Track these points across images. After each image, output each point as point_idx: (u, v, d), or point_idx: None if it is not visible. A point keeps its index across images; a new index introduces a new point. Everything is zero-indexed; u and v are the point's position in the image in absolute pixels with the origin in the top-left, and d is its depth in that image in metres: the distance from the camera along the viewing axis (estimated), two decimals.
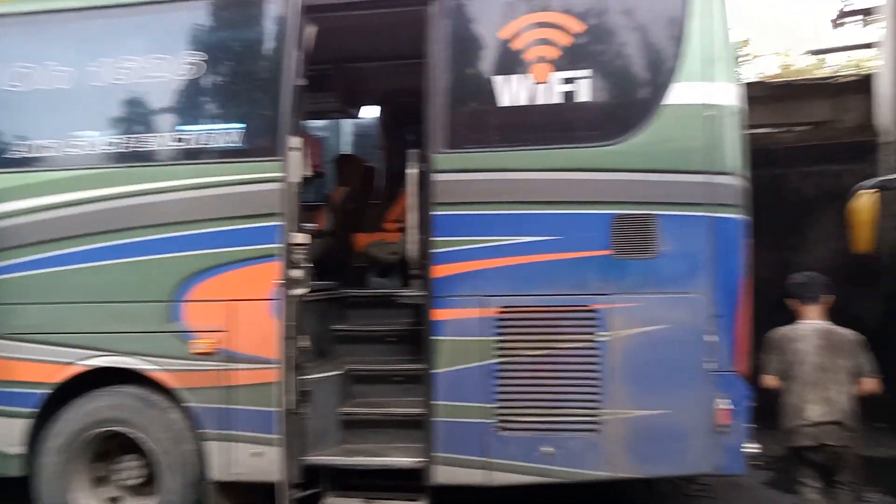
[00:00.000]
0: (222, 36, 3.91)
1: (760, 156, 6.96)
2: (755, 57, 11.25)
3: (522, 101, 3.46)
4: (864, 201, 5.18)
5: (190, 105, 3.88)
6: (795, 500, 4.41)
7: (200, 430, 3.62)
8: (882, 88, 6.56)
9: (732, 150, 3.41)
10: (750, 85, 8.03)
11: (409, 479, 3.57)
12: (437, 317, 3.46)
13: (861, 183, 5.35)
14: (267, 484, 3.52)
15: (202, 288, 3.64)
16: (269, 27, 3.80)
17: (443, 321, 3.46)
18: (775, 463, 5.39)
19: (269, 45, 3.79)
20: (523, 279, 3.46)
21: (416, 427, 3.60)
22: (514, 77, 3.46)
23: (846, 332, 3.58)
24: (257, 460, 3.56)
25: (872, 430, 6.37)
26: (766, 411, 6.31)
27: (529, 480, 3.42)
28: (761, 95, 7.30)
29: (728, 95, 3.41)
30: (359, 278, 4.88)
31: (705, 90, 3.37)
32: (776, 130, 7.28)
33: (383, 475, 3.69)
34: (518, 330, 3.45)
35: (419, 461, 3.52)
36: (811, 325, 3.59)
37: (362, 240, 4.95)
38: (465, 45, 3.55)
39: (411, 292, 3.78)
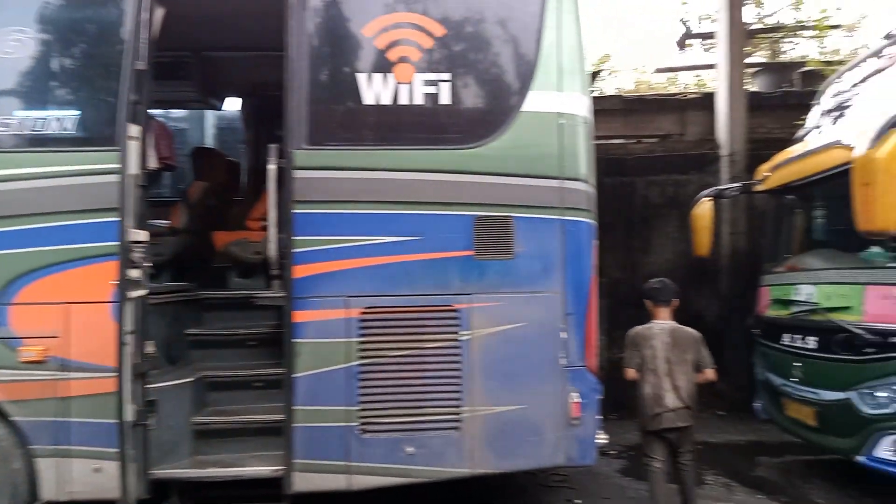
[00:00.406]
0: (55, 12, 3.54)
1: (614, 164, 7.52)
2: (614, 72, 12.11)
3: (385, 100, 3.45)
4: (704, 208, 5.72)
5: (17, 87, 3.48)
6: (647, 487, 4.78)
7: (30, 447, 3.28)
8: (720, 106, 7.26)
9: (583, 158, 3.60)
10: (607, 98, 8.63)
11: (267, 489, 3.44)
12: (298, 318, 3.36)
13: (701, 192, 5.91)
14: (109, 502, 3.24)
15: (31, 289, 3.29)
16: (110, 4, 3.51)
17: (304, 323, 3.36)
18: (627, 452, 5.81)
19: (108, 24, 3.50)
20: (387, 280, 3.45)
21: (275, 434, 3.47)
22: (376, 76, 3.44)
23: (689, 330, 4.00)
24: (97, 477, 3.27)
25: (715, 417, 7.07)
26: (619, 403, 6.75)
27: (392, 482, 3.41)
28: (617, 108, 7.85)
29: (580, 106, 3.60)
30: (220, 279, 4.64)
31: (559, 100, 3.54)
32: (628, 141, 7.83)
33: (241, 486, 3.52)
34: (382, 331, 3.43)
35: (277, 469, 3.40)
36: (662, 324, 3.98)
37: (223, 238, 4.72)
38: (326, 39, 3.48)
39: (271, 293, 3.64)
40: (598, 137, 7.82)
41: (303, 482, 3.35)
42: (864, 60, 4.94)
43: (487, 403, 3.45)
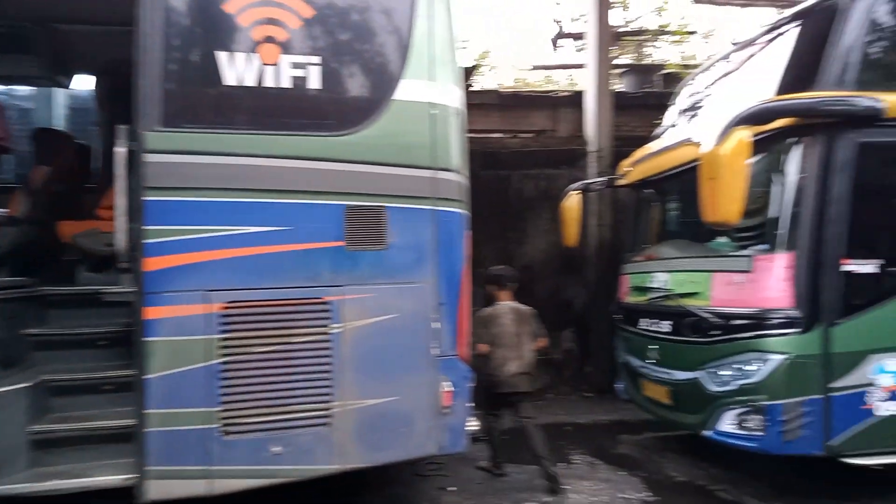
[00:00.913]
0: None
1: (491, 158, 7.71)
2: (493, 68, 12.39)
3: (248, 81, 3.25)
4: (572, 201, 5.97)
5: None
6: (517, 469, 4.92)
7: None
8: (588, 104, 7.63)
9: (455, 148, 3.60)
10: (485, 93, 8.78)
11: (119, 499, 3.16)
12: (151, 315, 3.10)
13: (570, 185, 6.17)
14: None
15: None
16: None
17: (157, 320, 3.11)
18: (502, 436, 5.97)
19: None
20: (252, 272, 3.27)
21: (128, 441, 3.20)
22: (239, 55, 3.24)
23: (526, 308, 4.81)
24: None
25: (582, 399, 7.46)
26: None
27: (256, 484, 3.25)
28: (494, 103, 8.03)
29: (452, 97, 3.60)
30: (67, 273, 4.22)
31: (431, 90, 3.52)
32: (505, 136, 8.03)
33: (90, 498, 3.22)
34: (246, 326, 3.25)
35: (129, 478, 3.13)
36: (506, 304, 4.77)
37: (70, 228, 4.28)
38: (183, 12, 3.22)
39: (120, 289, 3.35)
40: (476, 131, 8.04)
41: (158, 490, 3.11)
42: (714, 65, 5.36)
43: (358, 397, 3.38)
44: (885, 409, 3.76)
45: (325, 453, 3.34)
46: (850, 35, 3.84)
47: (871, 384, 3.76)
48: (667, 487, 4.63)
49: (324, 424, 3.33)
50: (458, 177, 3.63)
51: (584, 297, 7.67)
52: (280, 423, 3.28)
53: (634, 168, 5.50)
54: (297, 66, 3.33)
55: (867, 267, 3.77)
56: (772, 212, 3.95)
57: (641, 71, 8.93)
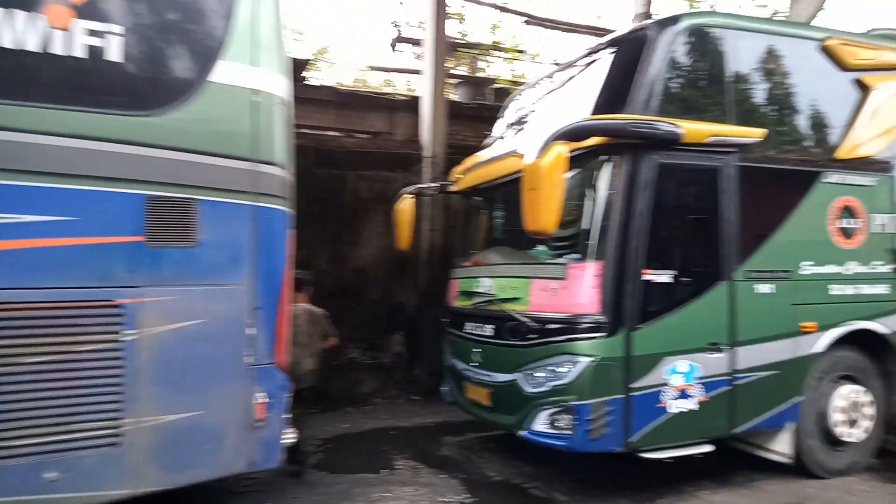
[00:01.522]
0: None
1: (326, 156, 7.49)
2: (332, 65, 12.10)
3: (30, 45, 2.77)
4: (405, 205, 5.95)
5: None
6: (336, 479, 4.75)
7: None
8: (424, 110, 7.69)
9: (279, 141, 3.37)
10: (321, 88, 8.54)
11: None
12: None
13: (403, 189, 6.15)
14: None
15: None
16: None
17: None
18: (325, 445, 5.77)
19: None
20: (26, 269, 2.79)
21: None
22: (18, 13, 2.74)
23: (319, 310, 5.18)
24: None
25: (409, 402, 7.48)
26: (319, 396, 6.67)
27: None
28: (331, 100, 7.81)
29: (277, 85, 3.37)
30: None
31: (254, 75, 3.26)
32: (341, 135, 7.84)
33: None
34: (15, 333, 2.76)
35: None
36: (301, 306, 4.98)
37: None
38: None
39: None
40: (311, 127, 7.75)
41: None
42: (538, 82, 5.63)
43: (156, 412, 3.02)
44: (675, 406, 4.14)
45: (113, 476, 2.94)
46: (656, 65, 4.21)
47: (665, 384, 4.12)
48: (484, 488, 4.74)
49: (112, 444, 2.92)
50: (281, 171, 3.40)
51: (415, 300, 7.69)
52: (56, 445, 2.82)
53: (465, 175, 5.61)
54: (93, 33, 2.90)
55: (663, 277, 4.14)
56: (584, 223, 4.20)
57: (475, 83, 9.22)
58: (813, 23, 8.52)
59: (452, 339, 5.46)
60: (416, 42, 9.47)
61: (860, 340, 4.78)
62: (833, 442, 4.68)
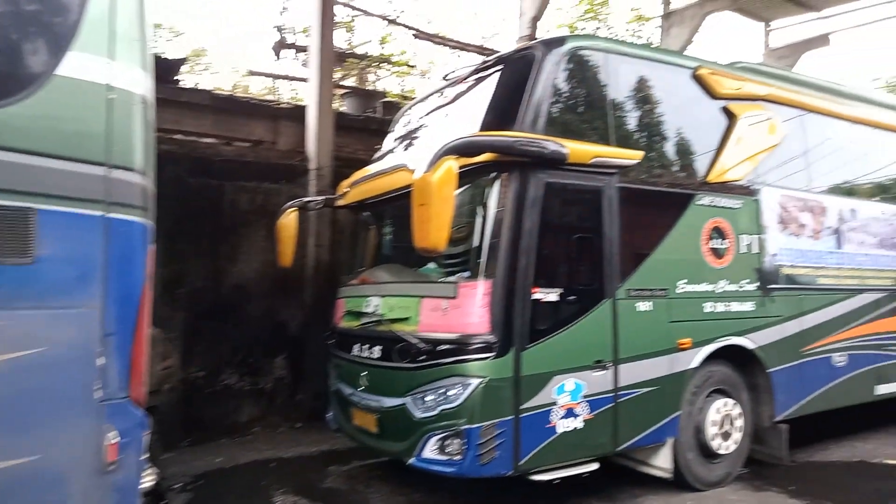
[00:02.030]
0: None
1: (201, 164, 6.96)
2: (209, 67, 11.43)
3: None
4: (288, 219, 5.61)
5: None
6: None
7: None
8: (310, 120, 7.38)
9: (139, 145, 2.98)
10: (196, 92, 7.98)
11: None
12: None
13: (287, 203, 5.81)
14: None
15: None
16: None
17: None
18: (195, 482, 5.27)
19: None
20: None
21: None
22: None
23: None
24: None
25: (291, 430, 7.04)
26: (198, 424, 6.15)
27: None
28: (206, 105, 7.29)
29: (137, 83, 2.97)
30: None
31: (109, 69, 2.86)
32: (219, 142, 7.34)
33: None
34: None
35: None
36: None
37: None
38: None
39: None
40: (185, 133, 7.19)
41: None
42: (429, 97, 5.54)
43: None
44: (563, 425, 4.12)
45: None
46: (542, 84, 4.24)
47: (553, 403, 4.09)
48: None
49: None
50: (141, 178, 2.99)
51: (299, 320, 7.30)
52: None
53: (352, 189, 5.38)
54: None
55: (552, 295, 4.13)
56: (474, 241, 4.12)
57: (364, 95, 9.03)
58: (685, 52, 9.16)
59: (338, 362, 5.18)
60: (301, 49, 9.15)
61: (730, 356, 5.04)
62: (709, 454, 4.88)
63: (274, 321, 7.20)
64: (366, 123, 8.11)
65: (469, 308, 3.98)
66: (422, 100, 5.63)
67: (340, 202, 5.63)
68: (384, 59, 10.23)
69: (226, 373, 6.92)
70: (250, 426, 6.95)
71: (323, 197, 6.02)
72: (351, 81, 10.28)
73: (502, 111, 4.33)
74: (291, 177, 7.27)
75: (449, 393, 3.97)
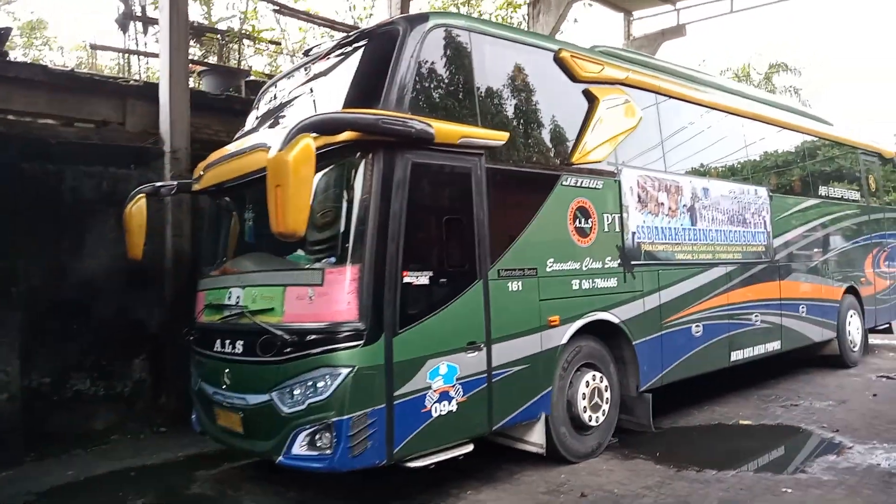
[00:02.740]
0: None
1: (38, 147, 6.16)
2: (48, 41, 10.21)
3: None
4: (137, 207, 5.10)
5: None
6: None
7: None
8: (162, 99, 6.77)
9: None
10: (28, 66, 7.12)
11: None
12: None
13: (135, 189, 5.28)
14: None
15: None
16: None
17: None
18: (41, 499, 4.71)
19: None
20: None
21: None
22: None
23: None
24: None
25: (155, 435, 6.49)
26: (44, 438, 5.49)
27: None
28: (40, 80, 6.48)
29: None
30: None
31: None
32: (58, 123, 6.56)
33: None
34: None
35: None
36: None
37: None
38: None
39: None
40: (15, 112, 6.35)
41: None
42: (292, 73, 5.23)
43: None
44: (438, 409, 4.05)
45: None
46: (406, 61, 4.09)
47: (428, 388, 4.01)
48: None
49: None
50: None
51: (159, 317, 6.72)
52: None
53: (207, 172, 4.97)
54: None
55: (423, 279, 4.03)
56: (341, 225, 3.93)
57: (225, 73, 8.44)
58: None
59: (199, 360, 4.81)
60: (152, 21, 8.36)
61: (597, 330, 5.21)
62: (580, 427, 5.02)
63: (130, 319, 6.59)
64: (228, 103, 7.57)
65: (336, 295, 3.79)
66: (285, 76, 5.32)
67: (196, 187, 5.20)
68: (247, 36, 9.60)
69: (75, 378, 6.25)
70: (108, 434, 6.33)
71: (176, 182, 5.52)
72: (213, 59, 9.55)
73: (366, 88, 4.14)
74: (143, 161, 6.64)
75: (318, 385, 3.77)
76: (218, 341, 4.47)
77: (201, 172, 5.08)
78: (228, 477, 5.14)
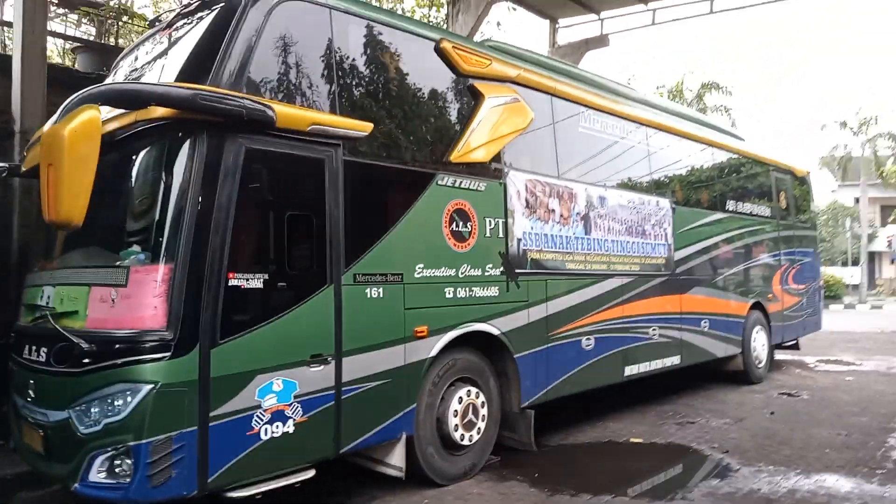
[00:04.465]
0: None
1: None
2: None
3: None
4: None
5: None
6: None
7: None
8: (15, 74, 6.07)
9: None
10: None
11: None
12: None
13: None
14: None
15: None
16: None
17: None
18: None
19: None
20: None
21: None
22: None
23: None
24: None
25: None
26: None
27: None
28: None
29: None
30: None
31: None
32: None
33: None
34: None
35: None
36: None
37: None
38: None
39: None
40: None
41: None
42: (142, 43, 4.68)
43: None
44: (269, 431, 3.56)
45: None
46: (245, 34, 3.61)
47: (257, 406, 3.52)
48: None
49: None
50: None
51: (2, 317, 5.97)
52: None
53: (30, 153, 4.35)
54: None
55: (255, 282, 3.54)
56: (155, 217, 3.40)
57: (100, 50, 7.74)
58: (476, 38, 9.07)
59: (13, 367, 4.17)
60: None
61: (476, 342, 4.83)
62: (452, 446, 4.62)
63: None
64: (98, 82, 6.88)
65: (141, 298, 3.26)
66: (132, 50, 4.75)
67: (25, 168, 4.56)
68: (124, 11, 8.85)
69: None
70: None
71: (5, 164, 4.85)
72: (91, 37, 8.75)
73: (198, 62, 3.63)
74: None
75: (115, 403, 3.22)
76: (26, 347, 3.86)
77: (25, 154, 4.46)
78: (53, 500, 4.50)
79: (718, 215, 7.99)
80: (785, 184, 9.91)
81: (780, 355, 10.38)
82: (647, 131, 6.90)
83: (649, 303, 6.56)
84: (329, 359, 3.84)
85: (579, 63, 12.24)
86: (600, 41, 12.19)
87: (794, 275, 9.71)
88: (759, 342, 8.61)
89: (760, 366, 8.66)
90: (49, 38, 6.72)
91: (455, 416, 4.63)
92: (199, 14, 3.98)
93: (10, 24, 6.85)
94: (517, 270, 5.12)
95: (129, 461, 3.20)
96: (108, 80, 4.85)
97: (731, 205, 8.31)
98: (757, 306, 8.59)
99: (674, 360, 6.93)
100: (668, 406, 7.21)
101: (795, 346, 10.23)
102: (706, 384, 8.31)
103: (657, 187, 6.99)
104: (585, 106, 6.07)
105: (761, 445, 5.63)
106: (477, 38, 10.58)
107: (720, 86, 25.83)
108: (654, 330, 6.60)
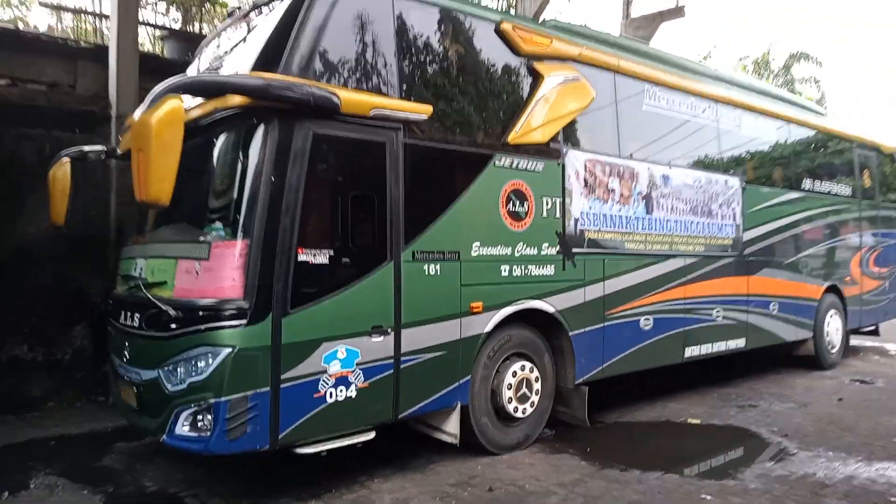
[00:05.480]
0: None
1: None
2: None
3: None
4: (62, 171, 4.93)
5: None
6: None
7: None
8: (111, 62, 6.58)
9: None
10: None
11: None
12: None
13: (62, 151, 5.10)
14: None
15: None
16: None
17: None
18: None
19: None
20: None
21: None
22: None
23: None
24: None
25: (91, 404, 6.38)
26: None
27: None
28: None
29: None
30: None
31: None
32: (3, 82, 6.41)
33: None
34: None
35: None
36: None
37: None
38: None
39: None
40: None
41: None
42: (221, 33, 5.00)
43: None
44: (333, 395, 3.86)
45: None
46: (312, 24, 3.84)
47: (323, 372, 3.82)
48: (131, 501, 4.08)
49: None
50: None
51: (101, 286, 6.59)
52: None
53: (124, 136, 4.78)
54: None
55: (322, 257, 3.81)
56: (233, 196, 3.72)
57: (186, 38, 8.22)
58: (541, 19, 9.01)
59: (110, 331, 4.67)
60: None
61: (532, 319, 4.97)
62: (506, 418, 4.82)
63: (70, 287, 6.48)
64: (184, 69, 7.34)
65: (220, 271, 3.59)
66: (212, 39, 5.09)
67: (119, 150, 5.01)
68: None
69: (11, 343, 6.17)
70: (44, 401, 6.27)
71: (105, 146, 5.33)
72: (177, 24, 9.28)
73: (270, 52, 3.90)
74: (89, 125, 6.48)
75: (198, 364, 3.59)
76: (122, 313, 4.32)
77: (120, 137, 4.90)
78: (144, 452, 5.01)
79: (793, 195, 7.71)
80: (870, 161, 9.40)
81: (857, 341, 9.96)
82: (717, 107, 6.74)
83: (714, 284, 6.48)
84: (389, 330, 4.09)
85: (653, 35, 11.92)
86: (676, 12, 11.79)
87: (877, 257, 9.25)
88: (833, 326, 8.30)
89: (833, 351, 8.36)
90: (139, 28, 7.21)
91: (509, 388, 4.81)
92: (272, 4, 4.24)
93: (107, 17, 7.39)
94: (574, 250, 5.20)
95: (209, 416, 3.57)
96: (190, 68, 5.22)
97: (807, 183, 8.00)
98: (832, 289, 8.28)
99: (738, 343, 6.83)
100: (731, 389, 7.13)
101: (875, 332, 9.78)
102: (775, 368, 8.13)
103: (726, 165, 6.83)
104: (650, 82, 6.01)
105: (823, 431, 5.53)
106: (547, 14, 10.49)
107: (809, 56, 24.25)
108: (717, 312, 6.52)
